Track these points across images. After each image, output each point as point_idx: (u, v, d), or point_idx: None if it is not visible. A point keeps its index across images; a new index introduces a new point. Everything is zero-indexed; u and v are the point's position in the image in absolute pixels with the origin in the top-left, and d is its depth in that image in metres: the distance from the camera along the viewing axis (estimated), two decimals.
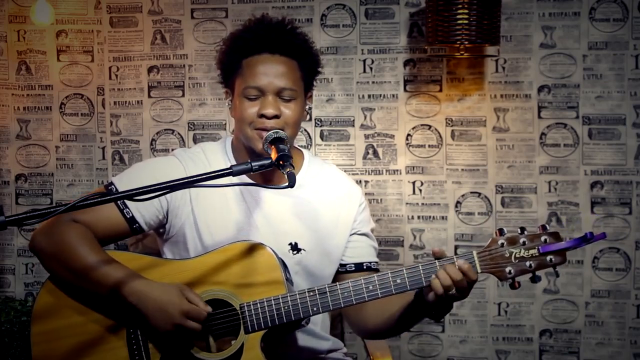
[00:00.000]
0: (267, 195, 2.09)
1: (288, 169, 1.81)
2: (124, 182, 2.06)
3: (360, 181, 3.09)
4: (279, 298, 1.93)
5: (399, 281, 1.90)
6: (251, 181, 2.01)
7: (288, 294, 1.93)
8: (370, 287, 1.91)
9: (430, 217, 3.11)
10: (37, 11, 3.11)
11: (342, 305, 1.93)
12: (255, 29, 2.09)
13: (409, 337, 3.14)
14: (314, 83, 2.16)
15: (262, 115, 2.00)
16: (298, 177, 2.05)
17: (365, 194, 3.08)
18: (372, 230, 2.24)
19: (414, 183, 3.10)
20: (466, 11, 2.73)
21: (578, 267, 3.05)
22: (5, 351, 2.93)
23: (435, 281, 1.83)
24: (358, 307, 2.07)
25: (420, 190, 3.10)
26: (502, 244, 1.88)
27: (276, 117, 2.00)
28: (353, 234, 2.19)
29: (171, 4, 3.16)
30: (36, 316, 1.99)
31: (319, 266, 2.13)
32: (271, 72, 2.02)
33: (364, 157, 3.11)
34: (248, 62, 2.05)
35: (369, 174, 3.11)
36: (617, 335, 3.05)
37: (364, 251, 2.20)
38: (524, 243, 1.87)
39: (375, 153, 3.10)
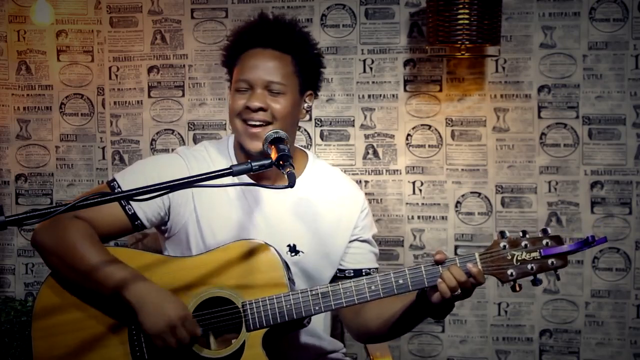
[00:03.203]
0: (268, 195, 2.08)
1: (288, 169, 1.80)
2: (126, 179, 2.05)
3: (360, 181, 3.09)
4: (281, 297, 1.93)
5: (401, 282, 1.90)
6: (252, 181, 2.01)
7: (290, 293, 1.93)
8: (373, 287, 1.91)
9: (430, 217, 3.11)
10: (37, 11, 3.12)
11: (345, 305, 1.92)
12: (253, 24, 2.11)
13: (409, 337, 3.14)
14: (318, 84, 2.14)
15: (247, 108, 2.01)
16: (300, 178, 2.04)
17: (365, 194, 3.07)
18: (373, 236, 2.22)
19: (414, 183, 3.10)
20: (467, 11, 2.73)
21: (578, 267, 3.05)
22: (5, 351, 2.93)
23: (442, 285, 1.83)
24: (358, 309, 2.06)
25: (420, 190, 3.10)
26: (504, 246, 1.88)
27: (262, 109, 2.00)
28: (354, 240, 2.16)
29: (171, 4, 3.16)
30: (38, 311, 1.98)
31: (317, 269, 2.12)
32: (261, 66, 2.02)
33: (364, 157, 3.11)
34: (243, 56, 2.07)
35: (369, 174, 3.11)
36: (617, 335, 3.05)
37: (364, 258, 2.18)
38: (525, 246, 1.88)
39: (375, 153, 3.10)
